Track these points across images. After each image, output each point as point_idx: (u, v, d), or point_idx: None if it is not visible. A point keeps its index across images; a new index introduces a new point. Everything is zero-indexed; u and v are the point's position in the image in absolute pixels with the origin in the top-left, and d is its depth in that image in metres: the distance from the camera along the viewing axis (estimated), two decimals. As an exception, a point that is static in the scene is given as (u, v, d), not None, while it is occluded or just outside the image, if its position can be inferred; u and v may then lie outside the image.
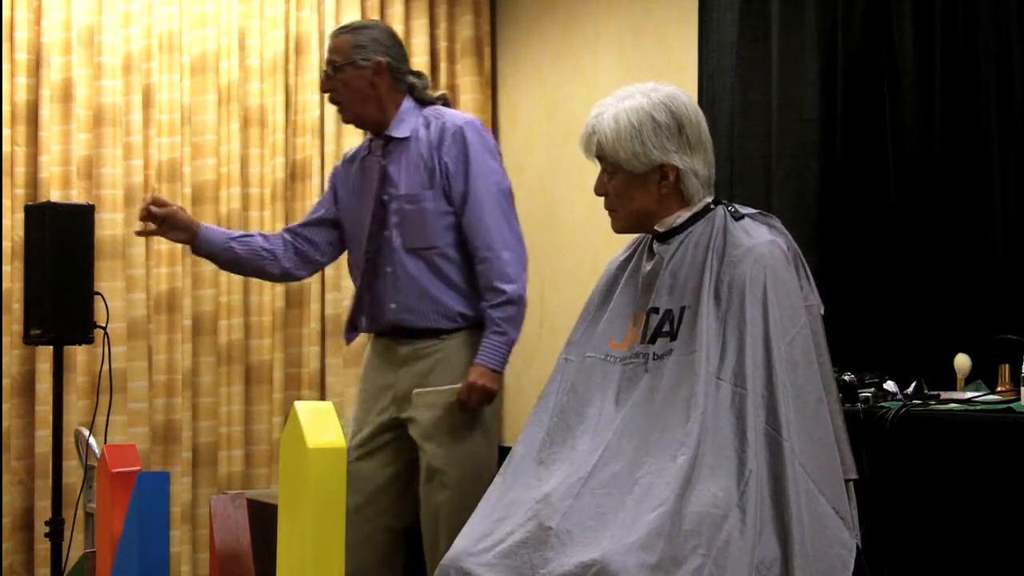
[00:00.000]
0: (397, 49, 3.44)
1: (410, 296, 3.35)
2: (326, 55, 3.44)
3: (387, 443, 3.42)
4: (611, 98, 2.65)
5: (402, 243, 3.35)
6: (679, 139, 2.61)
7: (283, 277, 3.65)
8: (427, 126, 3.38)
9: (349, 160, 3.59)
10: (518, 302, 3.32)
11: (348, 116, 3.46)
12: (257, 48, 5.19)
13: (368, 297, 3.44)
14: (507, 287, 3.31)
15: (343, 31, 3.44)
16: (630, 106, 2.61)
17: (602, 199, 2.74)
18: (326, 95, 3.48)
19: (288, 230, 3.61)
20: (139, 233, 3.48)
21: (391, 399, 3.41)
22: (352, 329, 3.56)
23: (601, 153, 2.65)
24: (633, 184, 2.64)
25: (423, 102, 3.45)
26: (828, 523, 2.41)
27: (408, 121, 3.40)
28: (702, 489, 2.35)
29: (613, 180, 2.67)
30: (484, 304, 3.32)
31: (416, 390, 3.36)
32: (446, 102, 3.51)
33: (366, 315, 3.47)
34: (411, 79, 3.44)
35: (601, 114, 2.64)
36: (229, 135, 5.12)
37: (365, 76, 3.37)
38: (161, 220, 3.39)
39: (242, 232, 3.62)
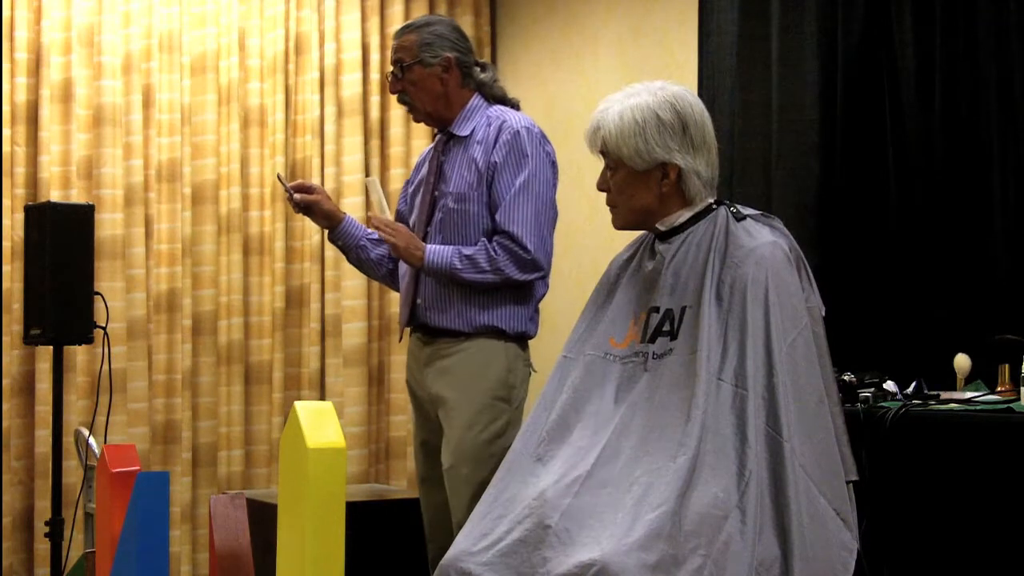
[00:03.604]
0: (464, 43, 3.37)
1: (435, 294, 3.28)
2: (391, 55, 3.36)
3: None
4: (619, 94, 2.66)
5: (440, 241, 3.28)
6: (683, 139, 2.61)
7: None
8: (488, 125, 3.30)
9: (421, 159, 3.52)
10: (531, 267, 3.20)
11: (419, 116, 3.38)
12: (257, 48, 5.18)
13: (405, 290, 3.38)
14: (531, 248, 3.19)
15: (407, 30, 3.35)
16: (636, 103, 2.61)
17: (602, 199, 2.74)
18: (395, 96, 3.40)
19: None
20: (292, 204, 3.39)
21: (427, 401, 3.36)
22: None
23: (605, 149, 2.66)
24: (634, 181, 2.65)
25: (492, 99, 3.38)
26: (828, 524, 2.41)
27: (472, 119, 3.33)
28: (702, 490, 2.35)
29: (615, 176, 2.67)
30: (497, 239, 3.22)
31: (443, 398, 3.28)
32: (516, 106, 3.41)
33: (402, 308, 3.41)
34: (480, 75, 3.36)
35: (607, 109, 2.65)
36: (229, 135, 5.12)
37: (434, 73, 3.30)
38: (304, 208, 3.36)
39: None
